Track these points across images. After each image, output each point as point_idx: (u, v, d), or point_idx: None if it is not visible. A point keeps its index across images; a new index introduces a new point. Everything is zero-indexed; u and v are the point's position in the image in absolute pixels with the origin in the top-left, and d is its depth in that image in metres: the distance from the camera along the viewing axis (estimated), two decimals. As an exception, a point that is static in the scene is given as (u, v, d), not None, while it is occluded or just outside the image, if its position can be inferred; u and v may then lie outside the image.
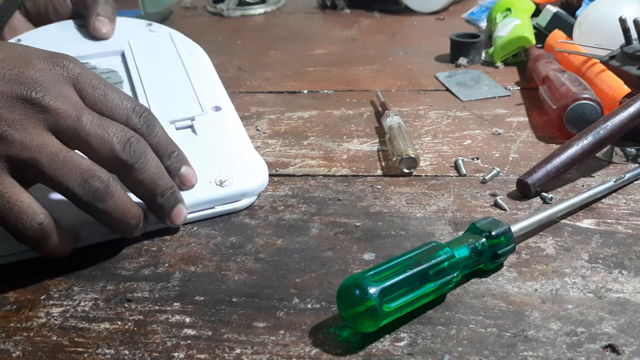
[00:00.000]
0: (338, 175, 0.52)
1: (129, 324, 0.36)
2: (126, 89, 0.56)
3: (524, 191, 0.47)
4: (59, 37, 0.62)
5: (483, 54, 0.77)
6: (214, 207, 0.46)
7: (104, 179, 0.39)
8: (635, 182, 0.48)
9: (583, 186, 0.48)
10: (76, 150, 0.39)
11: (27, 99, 0.38)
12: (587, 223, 0.44)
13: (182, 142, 0.50)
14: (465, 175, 0.50)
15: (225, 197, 0.46)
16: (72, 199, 0.39)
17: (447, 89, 0.69)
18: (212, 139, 0.51)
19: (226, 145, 0.51)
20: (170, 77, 0.58)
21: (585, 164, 0.50)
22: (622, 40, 0.59)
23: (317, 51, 0.85)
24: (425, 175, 0.51)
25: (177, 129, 0.52)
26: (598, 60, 0.61)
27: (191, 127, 0.52)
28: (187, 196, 0.45)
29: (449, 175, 0.51)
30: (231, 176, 0.47)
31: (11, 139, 0.37)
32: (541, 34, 0.76)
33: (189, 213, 0.45)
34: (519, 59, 0.75)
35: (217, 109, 0.54)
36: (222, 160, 0.49)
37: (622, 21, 0.58)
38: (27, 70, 0.39)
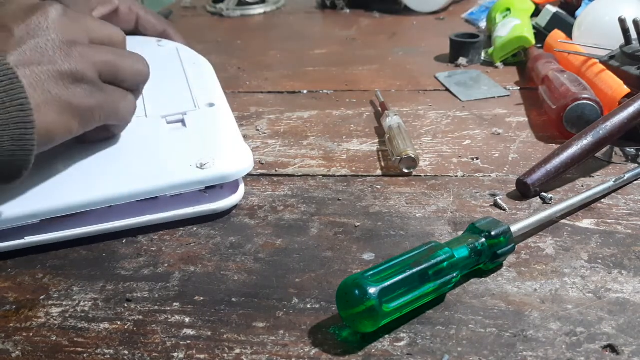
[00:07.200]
0: (338, 176, 0.52)
1: (129, 324, 0.36)
2: None
3: (523, 191, 0.47)
4: None
5: (483, 54, 0.77)
6: (194, 207, 0.46)
7: None
8: (635, 182, 0.48)
9: (582, 186, 0.48)
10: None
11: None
12: (586, 223, 0.44)
13: (170, 134, 0.51)
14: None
15: (205, 180, 0.45)
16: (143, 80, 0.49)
17: (447, 89, 0.69)
18: (199, 129, 0.51)
19: (212, 134, 0.51)
20: (169, 80, 0.60)
21: (585, 164, 0.50)
22: (622, 40, 0.59)
23: (317, 51, 0.85)
24: (424, 175, 0.51)
25: (168, 122, 0.52)
26: (597, 61, 0.61)
27: (182, 121, 0.53)
28: (166, 177, 0.45)
29: (449, 175, 0.51)
30: (212, 159, 0.46)
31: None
32: (541, 34, 0.76)
33: (172, 211, 0.45)
34: (519, 59, 0.75)
35: (211, 105, 0.55)
36: (205, 146, 0.49)
37: (622, 21, 0.58)
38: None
